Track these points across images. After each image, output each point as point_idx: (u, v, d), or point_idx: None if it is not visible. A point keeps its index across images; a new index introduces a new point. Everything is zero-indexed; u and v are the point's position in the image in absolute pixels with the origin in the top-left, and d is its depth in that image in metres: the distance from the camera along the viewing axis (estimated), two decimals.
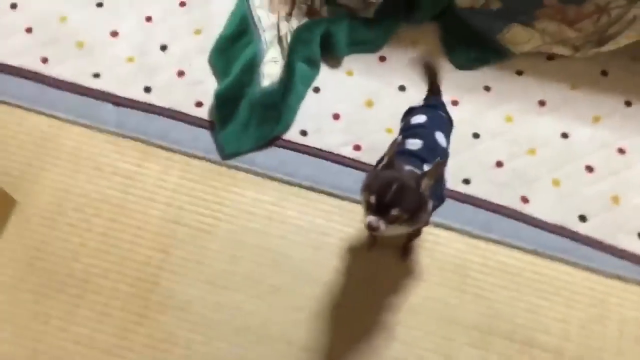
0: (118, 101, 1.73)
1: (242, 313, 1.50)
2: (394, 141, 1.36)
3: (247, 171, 1.67)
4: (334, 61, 1.83)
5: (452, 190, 1.62)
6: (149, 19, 1.86)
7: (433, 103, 1.47)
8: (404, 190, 1.10)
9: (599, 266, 1.57)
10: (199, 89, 1.76)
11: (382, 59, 1.84)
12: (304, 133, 1.72)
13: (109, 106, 1.73)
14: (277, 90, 1.69)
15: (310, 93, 1.78)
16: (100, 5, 1.88)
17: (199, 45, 1.82)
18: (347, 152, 1.70)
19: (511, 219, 1.62)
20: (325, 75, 1.81)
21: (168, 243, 1.57)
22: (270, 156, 1.69)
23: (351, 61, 1.83)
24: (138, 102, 1.74)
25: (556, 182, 1.67)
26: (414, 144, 1.29)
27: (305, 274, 1.55)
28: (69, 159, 1.66)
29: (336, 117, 1.75)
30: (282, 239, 1.60)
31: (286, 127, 1.72)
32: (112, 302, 1.50)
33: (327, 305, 1.49)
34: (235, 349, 1.46)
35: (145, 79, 1.77)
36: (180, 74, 1.79)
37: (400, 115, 1.46)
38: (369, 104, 1.76)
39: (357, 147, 1.70)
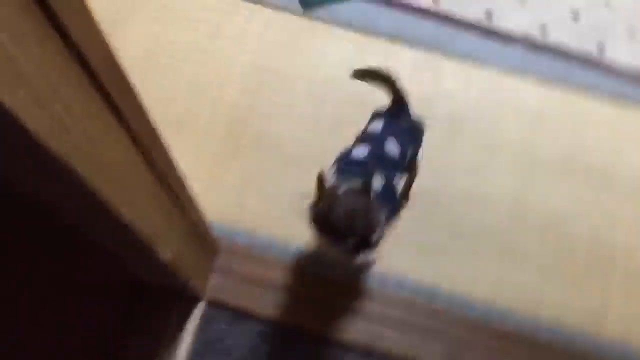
0: None
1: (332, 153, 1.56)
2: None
3: (327, 21, 1.71)
4: None
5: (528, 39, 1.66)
6: None
7: (395, 112, 1.30)
8: (363, 218, 1.04)
9: None
10: None
11: None
12: None
13: None
14: None
15: None
16: None
17: None
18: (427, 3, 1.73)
19: (587, 68, 1.66)
20: None
21: (255, 88, 1.63)
22: (351, 7, 1.72)
23: None
24: None
25: (632, 34, 1.70)
26: (360, 152, 1.19)
27: None
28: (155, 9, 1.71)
29: None
30: (364, 86, 1.64)
31: None
32: (206, 141, 1.57)
33: None
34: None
35: None
36: None
37: None
38: None
39: None
